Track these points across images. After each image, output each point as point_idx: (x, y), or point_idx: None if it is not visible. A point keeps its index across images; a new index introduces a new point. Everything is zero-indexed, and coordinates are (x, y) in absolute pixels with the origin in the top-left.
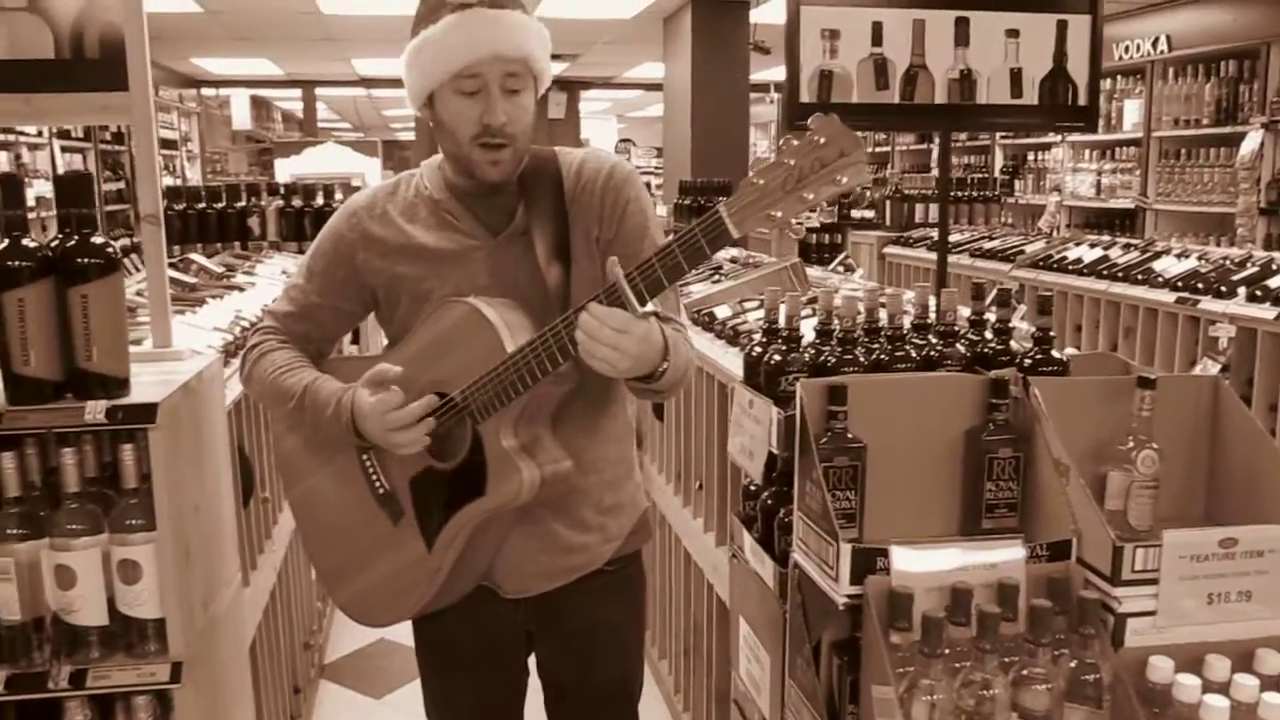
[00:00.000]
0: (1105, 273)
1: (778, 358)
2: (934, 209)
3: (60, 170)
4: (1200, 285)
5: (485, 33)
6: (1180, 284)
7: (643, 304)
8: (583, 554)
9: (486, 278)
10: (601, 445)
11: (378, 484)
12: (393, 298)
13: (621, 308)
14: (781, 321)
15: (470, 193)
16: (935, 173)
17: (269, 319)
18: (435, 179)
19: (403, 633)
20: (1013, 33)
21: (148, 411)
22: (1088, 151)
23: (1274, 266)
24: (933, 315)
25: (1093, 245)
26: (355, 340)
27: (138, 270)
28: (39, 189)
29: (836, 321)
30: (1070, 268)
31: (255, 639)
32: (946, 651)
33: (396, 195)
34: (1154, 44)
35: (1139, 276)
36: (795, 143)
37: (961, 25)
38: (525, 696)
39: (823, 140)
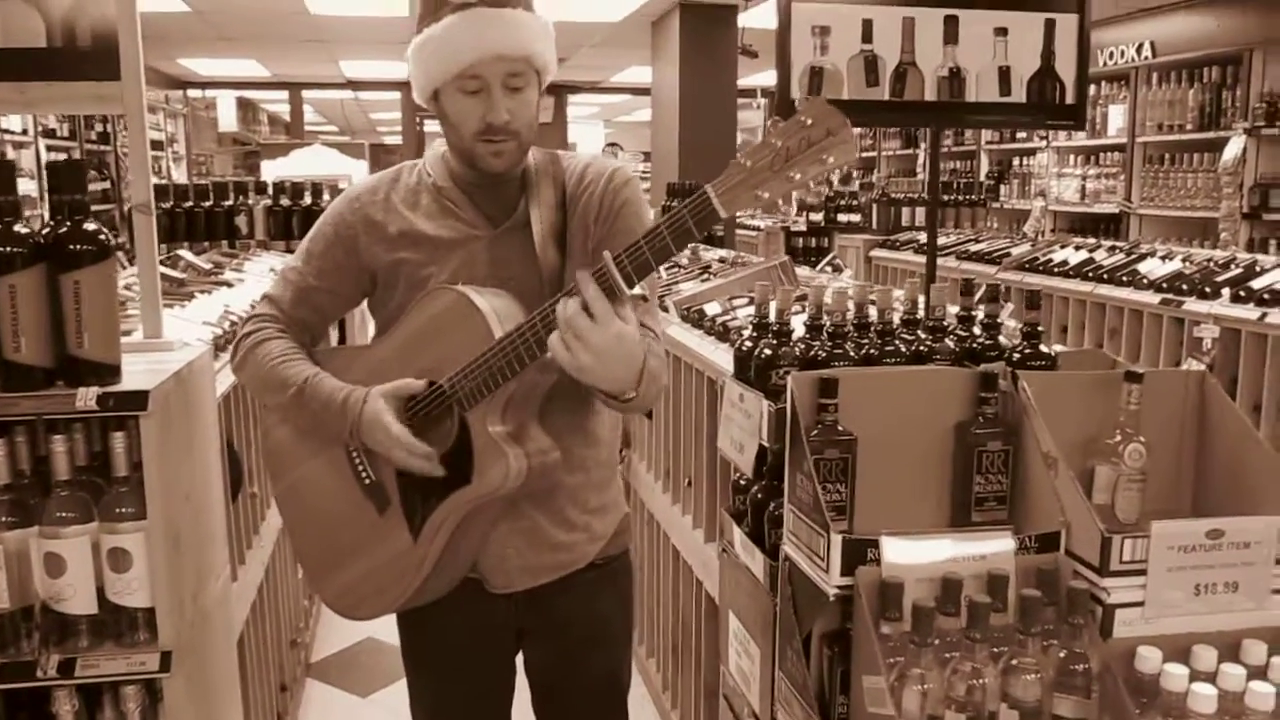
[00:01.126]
0: (1091, 274)
1: (768, 352)
2: (920, 213)
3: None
4: (1185, 286)
5: (486, 33)
6: (1165, 285)
7: (630, 286)
8: (568, 552)
9: (485, 267)
10: (590, 446)
11: (364, 474)
12: (390, 283)
13: (610, 290)
14: (772, 316)
15: (473, 183)
16: (921, 176)
17: (265, 304)
18: (439, 168)
19: (388, 631)
20: (1001, 31)
21: (139, 399)
22: (1072, 156)
23: (1257, 268)
24: (921, 311)
25: (1078, 248)
26: (343, 339)
27: (125, 267)
28: (24, 187)
29: (826, 317)
30: (1056, 270)
31: (243, 635)
32: (937, 641)
33: (399, 182)
34: (1138, 50)
35: (1124, 278)
36: (782, 124)
37: (951, 23)
38: (513, 694)
39: (809, 120)
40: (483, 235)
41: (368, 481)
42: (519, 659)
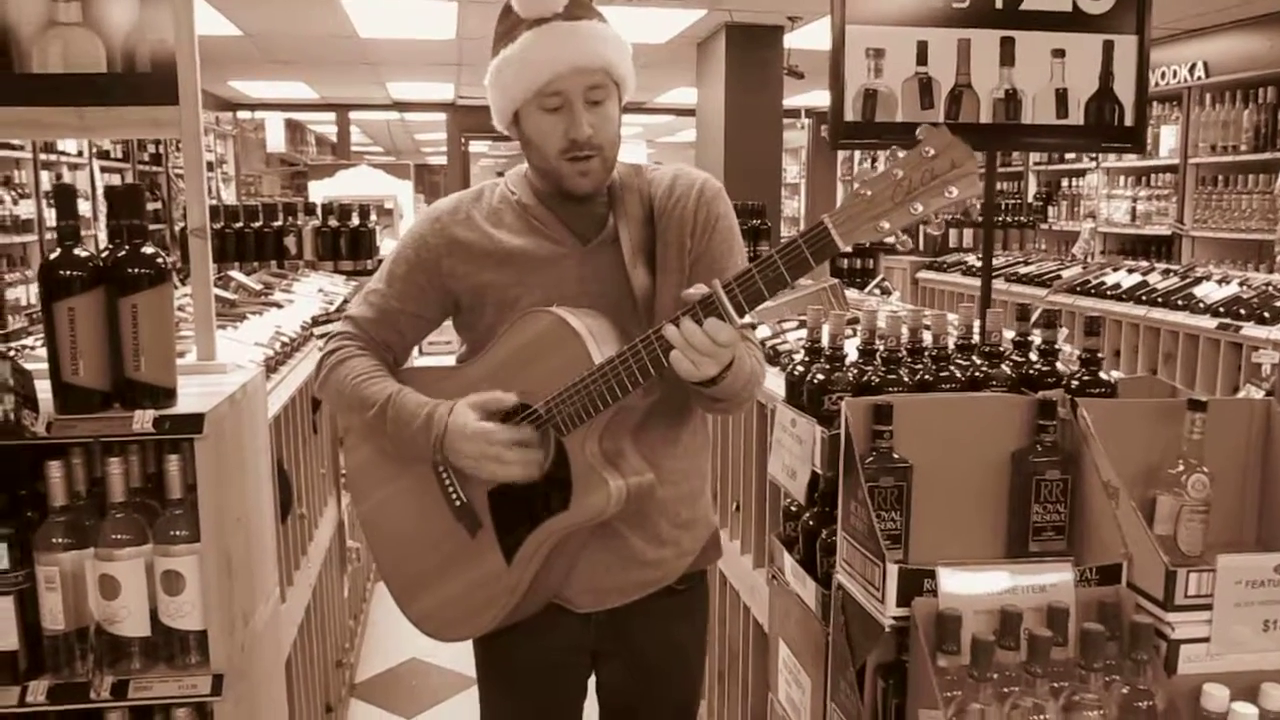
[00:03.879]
0: (1144, 298)
1: (821, 377)
2: (967, 234)
3: (99, 190)
4: (1242, 311)
5: (563, 47)
6: (1222, 309)
7: (740, 315)
8: (657, 569)
9: (575, 285)
10: (681, 458)
11: (454, 496)
12: (477, 305)
13: (718, 318)
14: (824, 341)
15: (559, 200)
16: None
17: (347, 324)
18: (522, 186)
19: (433, 651)
20: (1059, 53)
21: (195, 422)
22: (1122, 178)
23: None
24: (976, 336)
25: (1131, 270)
26: (421, 352)
27: (178, 287)
28: (80, 209)
29: (880, 341)
30: (1109, 293)
31: (290, 656)
32: (995, 676)
33: (481, 201)
34: (1191, 70)
35: (1179, 302)
36: (903, 154)
37: (1007, 45)
38: (582, 716)
39: (932, 152)
40: (571, 253)
41: (458, 503)
42: (591, 680)
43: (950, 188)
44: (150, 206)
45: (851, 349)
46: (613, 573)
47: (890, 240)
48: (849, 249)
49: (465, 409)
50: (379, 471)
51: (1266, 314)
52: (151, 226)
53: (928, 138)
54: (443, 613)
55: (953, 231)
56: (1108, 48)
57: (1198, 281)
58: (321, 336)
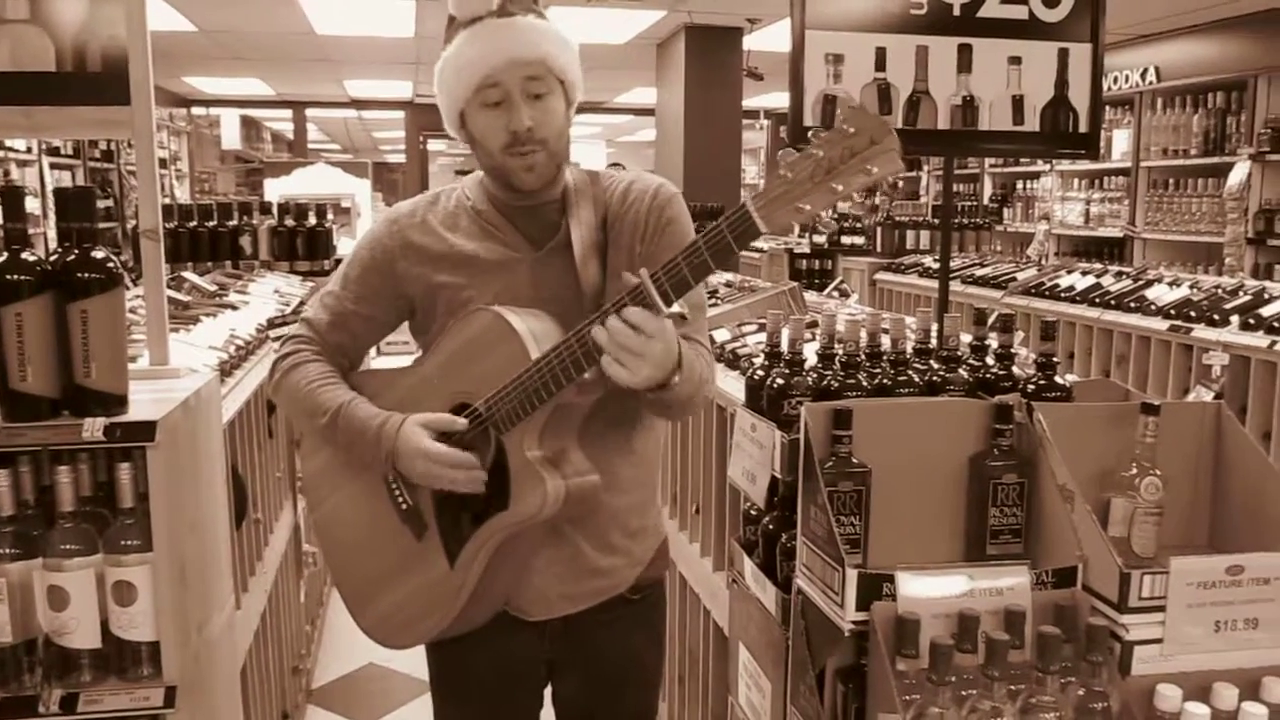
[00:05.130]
0: (1098, 300)
1: (780, 381)
2: (924, 236)
3: (49, 188)
4: (1193, 313)
5: (498, 40)
6: (1173, 312)
7: (668, 304)
8: (608, 577)
9: (528, 290)
10: (635, 466)
11: (401, 500)
12: (430, 308)
13: (647, 308)
14: (784, 345)
15: (513, 205)
16: (925, 200)
17: (302, 327)
18: (477, 191)
19: (390, 657)
20: (1015, 60)
21: (147, 429)
22: (1076, 180)
23: (1266, 295)
24: (934, 340)
25: (1085, 273)
26: (379, 352)
27: (130, 288)
28: (28, 206)
29: (838, 346)
30: (1062, 295)
31: (245, 664)
32: (954, 679)
33: (437, 205)
34: (1143, 75)
35: (1131, 304)
36: (824, 134)
37: (964, 52)
38: None
39: (852, 129)
40: (524, 257)
41: (405, 507)
42: (547, 691)
43: (870, 165)
44: (102, 204)
45: (811, 353)
46: (564, 581)
47: (824, 218)
48: (768, 231)
49: (414, 426)
50: (333, 477)
51: (1216, 316)
52: (103, 224)
53: (847, 116)
54: (392, 618)
55: (910, 233)
56: (1063, 55)
57: (1149, 284)
58: (278, 339)
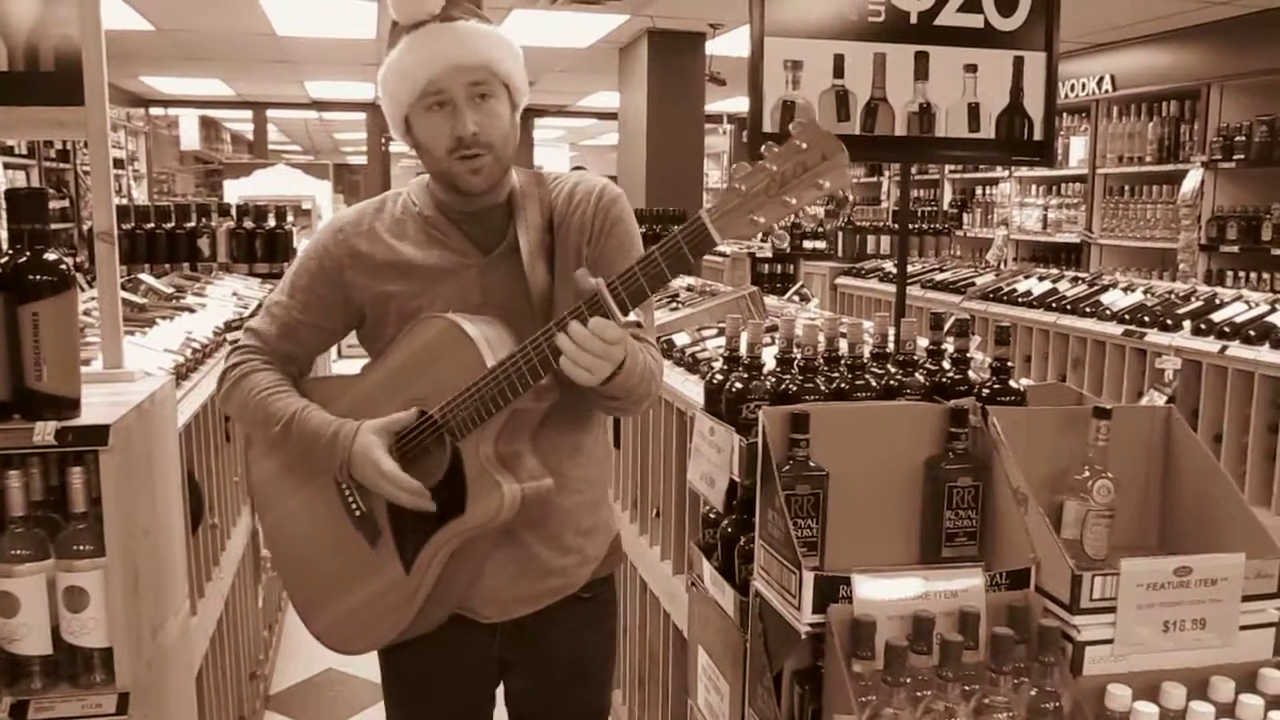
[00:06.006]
0: (1054, 305)
1: (739, 385)
2: (885, 241)
3: (1, 188)
4: (1146, 318)
5: (440, 45)
6: (1127, 317)
7: (624, 313)
8: (562, 576)
9: (478, 296)
10: (585, 466)
11: (354, 506)
12: (380, 316)
13: (604, 316)
14: (743, 349)
15: (460, 210)
16: (885, 205)
17: (249, 336)
18: (424, 197)
19: (349, 662)
20: (971, 68)
21: (99, 434)
22: (1034, 187)
23: (1218, 301)
24: (892, 344)
25: (1041, 278)
26: (340, 354)
27: (84, 289)
28: None
29: (797, 350)
30: (1020, 300)
31: (202, 669)
32: (909, 680)
33: (384, 212)
34: (1099, 83)
35: (1087, 309)
36: (777, 149)
37: (921, 60)
38: None
39: (804, 145)
40: (473, 263)
41: (358, 514)
42: (499, 690)
43: (821, 179)
44: (57, 205)
45: (769, 357)
46: (518, 582)
47: (777, 231)
48: (721, 242)
49: (368, 433)
50: (283, 484)
51: (1169, 321)
52: (59, 225)
53: (799, 131)
54: (345, 624)
55: (870, 238)
56: (1018, 64)
57: (1105, 289)
58: (233, 343)
